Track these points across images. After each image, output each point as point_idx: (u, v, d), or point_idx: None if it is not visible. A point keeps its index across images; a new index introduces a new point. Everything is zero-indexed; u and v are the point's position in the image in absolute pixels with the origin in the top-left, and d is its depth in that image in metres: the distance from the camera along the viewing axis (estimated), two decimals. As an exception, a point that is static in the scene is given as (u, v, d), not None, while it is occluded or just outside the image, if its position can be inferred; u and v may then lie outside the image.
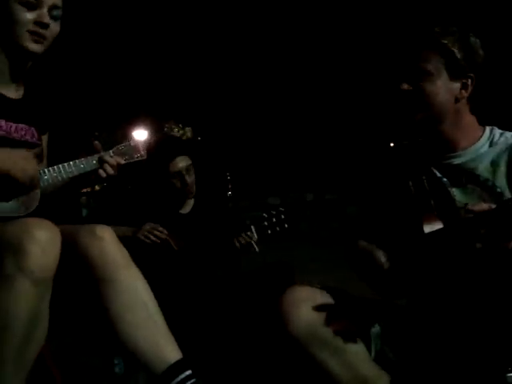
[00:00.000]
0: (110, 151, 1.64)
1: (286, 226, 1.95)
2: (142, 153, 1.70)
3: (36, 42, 1.53)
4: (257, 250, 1.97)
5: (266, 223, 1.95)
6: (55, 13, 1.55)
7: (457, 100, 1.40)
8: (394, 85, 1.43)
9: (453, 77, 1.39)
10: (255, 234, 1.96)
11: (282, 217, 1.96)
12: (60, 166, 1.59)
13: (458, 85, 1.39)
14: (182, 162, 2.40)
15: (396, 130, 1.53)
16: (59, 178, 1.58)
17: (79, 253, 1.45)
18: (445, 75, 1.38)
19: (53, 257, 1.32)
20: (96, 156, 1.62)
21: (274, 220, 1.96)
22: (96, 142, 1.64)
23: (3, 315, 1.26)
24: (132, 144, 1.69)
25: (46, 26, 1.53)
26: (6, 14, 1.51)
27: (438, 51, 1.37)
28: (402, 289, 1.38)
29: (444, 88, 1.38)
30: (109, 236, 1.49)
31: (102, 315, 1.44)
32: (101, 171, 1.61)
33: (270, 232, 1.94)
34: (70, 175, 1.60)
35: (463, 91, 1.40)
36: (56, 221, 1.48)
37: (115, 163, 1.62)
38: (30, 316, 1.28)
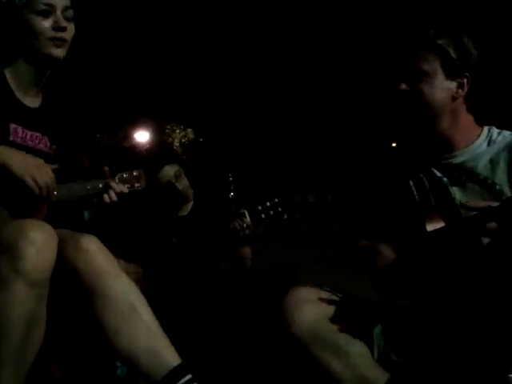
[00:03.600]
0: (116, 178, 1.70)
1: (280, 209, 1.99)
2: (142, 183, 1.75)
3: (58, 46, 1.56)
4: (247, 232, 2.03)
5: (259, 207, 2.00)
6: (68, 14, 1.59)
7: (454, 99, 1.42)
8: (392, 85, 1.45)
9: (449, 76, 1.41)
10: (248, 218, 2.01)
11: (276, 200, 2.00)
12: (68, 184, 1.61)
13: (454, 84, 1.41)
14: (169, 171, 2.37)
15: (395, 131, 1.54)
16: (66, 195, 1.60)
17: (67, 266, 1.44)
18: (441, 75, 1.40)
19: (48, 258, 1.31)
20: (103, 181, 1.66)
21: (268, 204, 2.00)
22: (106, 169, 1.69)
23: (0, 317, 1.26)
24: (135, 173, 1.74)
25: (64, 29, 1.57)
26: (24, 26, 1.55)
27: (434, 51, 1.40)
28: (405, 287, 1.38)
29: (441, 87, 1.40)
30: (95, 247, 1.47)
31: (96, 325, 1.43)
32: (105, 196, 1.65)
33: (263, 216, 1.98)
34: (76, 194, 1.62)
35: (460, 90, 1.42)
36: (58, 224, 1.48)
37: (119, 191, 1.67)
38: (27, 318, 1.28)
